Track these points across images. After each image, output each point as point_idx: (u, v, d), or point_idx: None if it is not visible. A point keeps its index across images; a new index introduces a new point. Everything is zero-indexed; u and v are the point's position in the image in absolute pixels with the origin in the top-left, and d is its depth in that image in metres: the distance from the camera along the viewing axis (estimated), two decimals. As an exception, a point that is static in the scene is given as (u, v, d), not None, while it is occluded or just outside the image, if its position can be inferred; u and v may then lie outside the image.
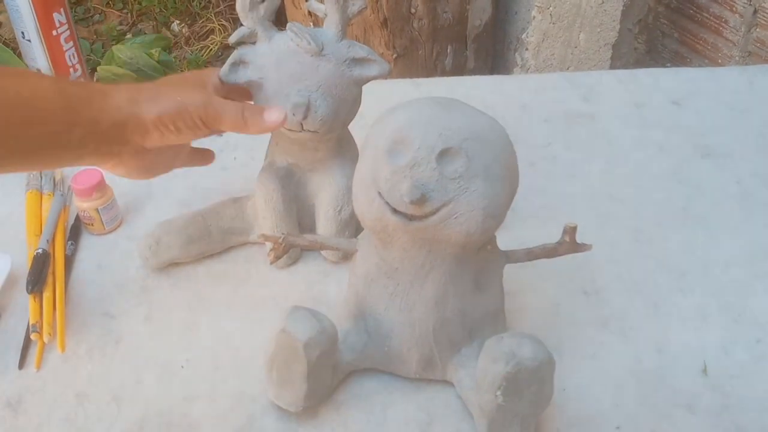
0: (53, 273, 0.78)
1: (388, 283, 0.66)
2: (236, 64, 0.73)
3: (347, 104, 0.73)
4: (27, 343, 0.73)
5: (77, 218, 0.86)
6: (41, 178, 0.90)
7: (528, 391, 0.60)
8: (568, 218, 0.67)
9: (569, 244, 0.67)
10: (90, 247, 0.84)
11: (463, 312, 0.66)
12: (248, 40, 0.73)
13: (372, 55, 0.71)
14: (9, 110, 0.57)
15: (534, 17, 1.80)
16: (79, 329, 0.75)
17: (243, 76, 0.72)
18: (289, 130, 0.72)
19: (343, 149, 0.78)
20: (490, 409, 0.61)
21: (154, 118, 0.63)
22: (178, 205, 0.85)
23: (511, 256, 0.68)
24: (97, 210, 0.83)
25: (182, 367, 0.72)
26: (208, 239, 0.81)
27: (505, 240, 0.68)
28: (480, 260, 0.65)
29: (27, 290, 0.75)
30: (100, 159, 0.65)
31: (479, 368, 0.63)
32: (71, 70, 0.96)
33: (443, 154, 0.58)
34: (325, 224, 0.79)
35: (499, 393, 0.60)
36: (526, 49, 1.87)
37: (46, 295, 0.76)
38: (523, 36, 1.86)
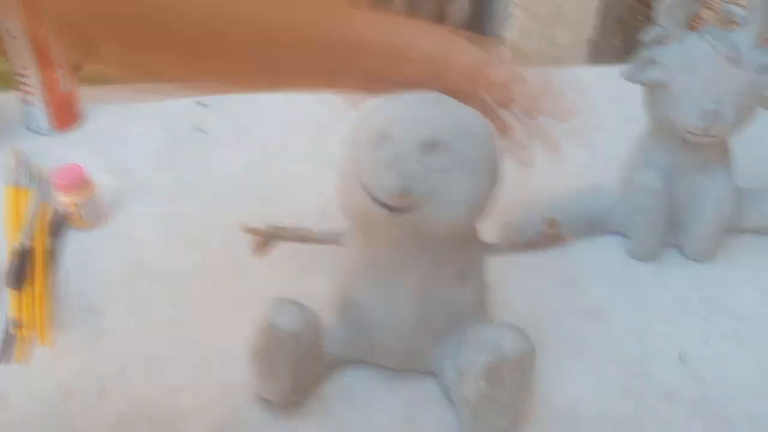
0: (34, 268, 0.78)
1: (370, 275, 0.66)
2: (645, 63, 0.74)
3: (751, 111, 0.74)
4: (9, 338, 0.73)
5: (59, 213, 0.85)
6: (21, 173, 0.89)
7: (510, 381, 0.61)
8: (550, 212, 0.68)
9: (550, 236, 0.67)
10: (72, 242, 0.84)
11: (446, 303, 0.66)
12: (662, 40, 0.74)
13: None
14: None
15: (512, 14, 1.81)
16: (62, 324, 0.75)
17: (650, 75, 0.74)
18: (690, 133, 0.73)
19: (728, 152, 0.79)
20: (473, 398, 0.62)
21: None
22: (161, 199, 0.84)
23: (493, 248, 0.69)
24: (78, 205, 0.83)
25: (167, 360, 0.72)
26: None
27: (487, 233, 0.68)
28: (462, 252, 0.66)
29: (7, 285, 0.75)
30: None
31: (462, 358, 0.63)
32: (57, 66, 0.96)
33: (426, 147, 0.58)
34: (702, 226, 0.80)
35: (482, 382, 0.61)
36: (505, 46, 1.88)
37: (28, 290, 0.75)
38: (502, 32, 1.87)
